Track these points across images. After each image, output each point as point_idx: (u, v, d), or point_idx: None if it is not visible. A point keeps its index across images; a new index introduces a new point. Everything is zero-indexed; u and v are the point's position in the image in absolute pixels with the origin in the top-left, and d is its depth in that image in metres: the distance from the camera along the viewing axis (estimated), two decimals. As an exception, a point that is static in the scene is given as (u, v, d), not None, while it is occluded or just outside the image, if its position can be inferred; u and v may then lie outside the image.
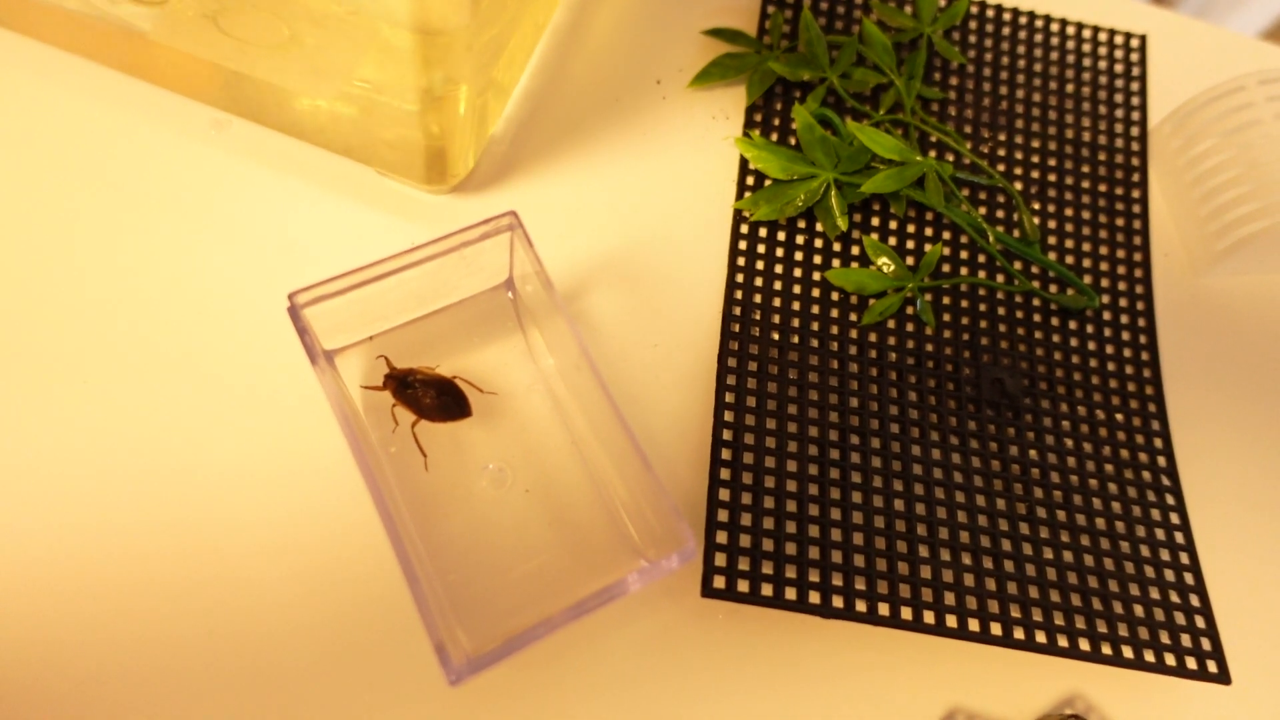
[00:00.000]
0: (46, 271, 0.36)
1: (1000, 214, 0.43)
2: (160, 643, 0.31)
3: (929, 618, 0.33)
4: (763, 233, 0.40)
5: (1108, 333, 0.41)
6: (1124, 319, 0.41)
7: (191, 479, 0.33)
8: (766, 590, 0.33)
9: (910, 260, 0.41)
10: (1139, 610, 0.35)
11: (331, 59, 0.34)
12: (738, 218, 0.41)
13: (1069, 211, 0.43)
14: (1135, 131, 0.45)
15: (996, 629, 0.33)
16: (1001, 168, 0.44)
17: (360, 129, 0.36)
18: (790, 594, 0.33)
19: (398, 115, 0.34)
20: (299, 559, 0.33)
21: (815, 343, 0.38)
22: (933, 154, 0.43)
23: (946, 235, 0.42)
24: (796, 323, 0.39)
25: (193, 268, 0.37)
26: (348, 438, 0.29)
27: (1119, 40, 0.48)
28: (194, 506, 0.33)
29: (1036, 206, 0.43)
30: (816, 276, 0.40)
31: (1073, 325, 0.41)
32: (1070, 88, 0.46)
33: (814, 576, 0.33)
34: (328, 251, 0.38)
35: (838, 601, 0.33)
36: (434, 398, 0.33)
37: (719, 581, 0.33)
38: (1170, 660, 0.34)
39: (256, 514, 0.33)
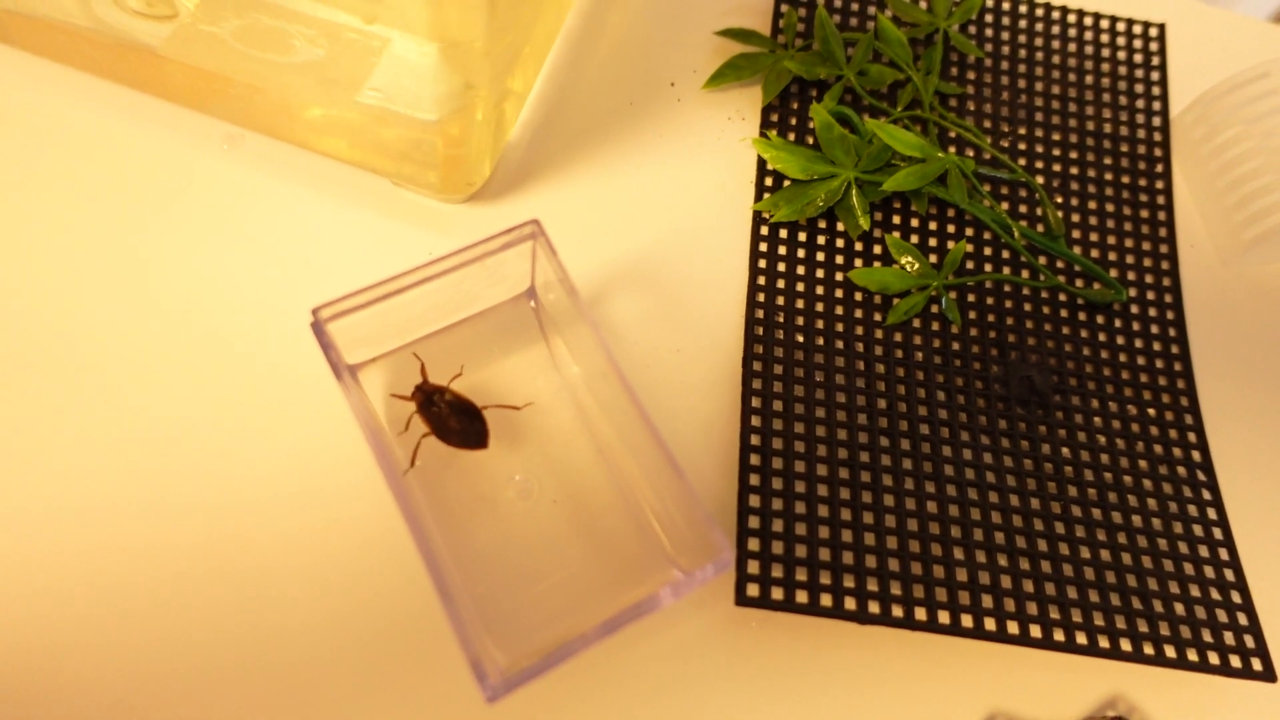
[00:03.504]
0: (66, 290, 0.35)
1: (1023, 209, 0.42)
2: (188, 661, 0.31)
3: (966, 621, 0.33)
4: (783, 234, 0.40)
5: (1136, 326, 0.40)
6: (1152, 312, 0.41)
7: (217, 497, 0.33)
8: (801, 597, 0.32)
9: (934, 258, 0.40)
10: (1179, 609, 0.34)
11: (345, 70, 0.33)
12: (757, 219, 0.40)
13: (1092, 204, 0.43)
14: (1157, 122, 0.45)
15: (1035, 631, 0.33)
16: (1023, 162, 0.43)
17: (375, 139, 0.36)
18: (825, 600, 0.32)
19: (413, 125, 0.34)
20: (324, 573, 0.32)
21: (840, 344, 0.38)
22: (953, 150, 0.43)
23: (970, 232, 0.41)
24: (820, 324, 0.38)
25: (211, 284, 0.36)
26: (375, 452, 0.28)
27: (1137, 30, 0.47)
28: (220, 524, 0.32)
29: (1060, 200, 0.42)
30: (839, 277, 0.39)
31: (1100, 320, 0.40)
32: (1089, 79, 0.45)
33: (848, 582, 0.33)
34: (345, 264, 0.37)
35: (874, 607, 0.32)
36: (457, 422, 0.32)
37: (753, 589, 0.32)
38: (1213, 659, 0.33)
39: (282, 530, 0.33)
